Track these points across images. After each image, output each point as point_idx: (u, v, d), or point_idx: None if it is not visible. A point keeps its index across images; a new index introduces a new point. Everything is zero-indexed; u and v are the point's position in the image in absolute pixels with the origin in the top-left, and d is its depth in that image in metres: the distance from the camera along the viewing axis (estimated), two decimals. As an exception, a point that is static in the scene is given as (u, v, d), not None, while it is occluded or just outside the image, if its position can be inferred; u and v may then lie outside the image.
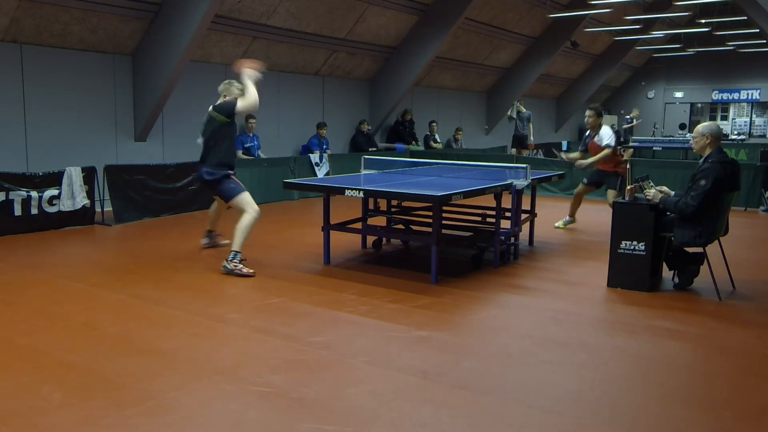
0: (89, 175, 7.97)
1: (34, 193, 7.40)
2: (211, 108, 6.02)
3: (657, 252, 5.16)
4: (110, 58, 9.19)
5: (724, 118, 22.45)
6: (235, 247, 5.65)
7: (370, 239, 6.81)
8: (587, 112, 7.67)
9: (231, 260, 5.60)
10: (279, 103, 11.76)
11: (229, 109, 5.83)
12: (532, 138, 13.64)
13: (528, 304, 4.94)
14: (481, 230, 6.53)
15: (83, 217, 7.88)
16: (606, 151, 7.41)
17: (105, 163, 8.35)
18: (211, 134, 5.93)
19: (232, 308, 4.62)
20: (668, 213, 5.26)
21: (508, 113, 14.05)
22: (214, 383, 3.36)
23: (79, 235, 7.44)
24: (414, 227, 7.06)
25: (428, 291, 5.15)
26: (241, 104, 5.75)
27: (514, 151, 13.69)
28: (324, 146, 11.85)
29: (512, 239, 6.28)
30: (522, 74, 17.09)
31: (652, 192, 5.17)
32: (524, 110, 13.73)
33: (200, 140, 6.06)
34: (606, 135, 7.49)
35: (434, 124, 14.81)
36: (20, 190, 7.29)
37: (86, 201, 7.87)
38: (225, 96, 5.99)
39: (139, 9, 8.79)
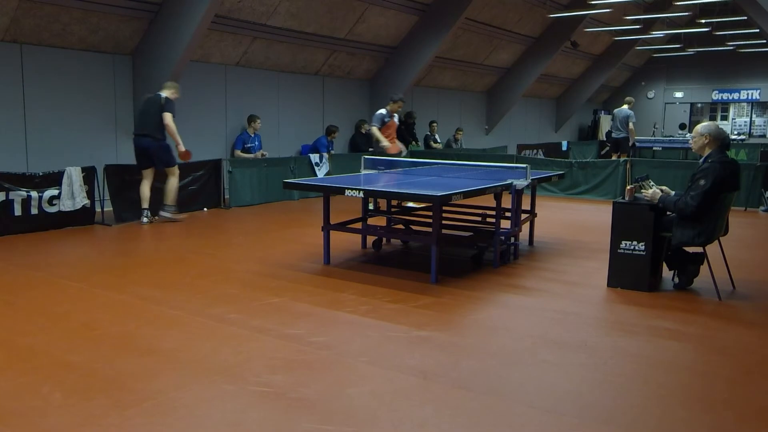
0: (89, 175, 7.97)
1: (34, 193, 7.40)
2: (164, 96, 8.03)
3: (657, 252, 5.16)
4: (110, 58, 9.19)
5: (724, 118, 22.45)
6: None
7: (370, 239, 6.81)
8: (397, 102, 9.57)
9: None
10: (279, 103, 11.76)
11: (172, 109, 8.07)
12: (632, 139, 12.35)
13: (528, 304, 4.94)
14: (481, 230, 6.53)
15: (83, 217, 7.88)
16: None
17: (105, 163, 8.36)
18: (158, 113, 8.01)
19: (232, 308, 4.62)
20: (668, 213, 5.25)
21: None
22: (214, 383, 3.36)
23: (79, 235, 7.44)
24: (414, 227, 7.06)
25: (428, 291, 5.15)
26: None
27: (622, 155, 12.02)
28: (330, 148, 11.91)
29: (512, 239, 6.28)
30: (522, 74, 17.12)
31: (651, 192, 5.14)
32: (626, 108, 12.71)
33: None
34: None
35: (434, 124, 14.81)
36: (20, 190, 7.29)
37: (86, 201, 7.87)
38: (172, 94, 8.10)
39: (139, 9, 8.80)
